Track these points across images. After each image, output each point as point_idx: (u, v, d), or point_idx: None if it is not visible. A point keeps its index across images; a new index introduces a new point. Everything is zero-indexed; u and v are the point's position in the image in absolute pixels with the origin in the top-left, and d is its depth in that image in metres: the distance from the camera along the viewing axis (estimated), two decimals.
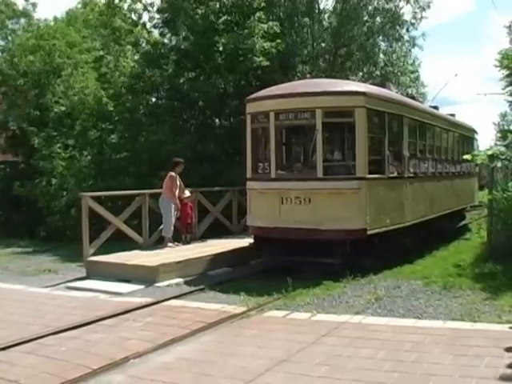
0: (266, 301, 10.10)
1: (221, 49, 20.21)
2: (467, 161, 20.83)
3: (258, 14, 20.75)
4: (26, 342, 7.98)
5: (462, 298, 9.76)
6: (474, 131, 25.27)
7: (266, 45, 20.15)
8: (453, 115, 23.60)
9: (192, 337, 8.08)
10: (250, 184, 13.93)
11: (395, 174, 14.12)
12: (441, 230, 18.09)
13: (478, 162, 13.80)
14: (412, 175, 15.19)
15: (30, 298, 11.21)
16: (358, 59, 29.94)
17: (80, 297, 11.22)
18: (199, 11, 20.58)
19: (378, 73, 31.02)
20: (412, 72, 37.23)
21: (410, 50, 33.88)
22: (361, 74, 30.20)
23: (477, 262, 12.56)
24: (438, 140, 18.84)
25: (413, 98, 19.20)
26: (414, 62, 36.81)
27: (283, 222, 12.60)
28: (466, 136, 23.41)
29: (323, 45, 28.80)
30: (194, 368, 6.83)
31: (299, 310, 9.40)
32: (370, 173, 12.70)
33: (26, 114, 24.15)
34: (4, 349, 7.74)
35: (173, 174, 15.19)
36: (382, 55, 32.00)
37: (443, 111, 22.38)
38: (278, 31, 21.19)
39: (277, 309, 9.49)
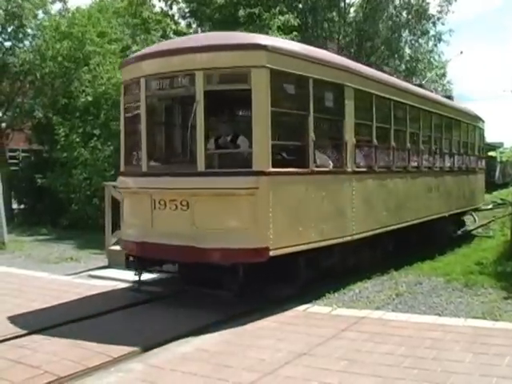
0: (286, 294, 9.91)
1: None
2: (467, 154, 18.50)
3: (278, 8, 20.70)
4: (47, 329, 8.06)
5: (483, 296, 9.70)
6: (478, 119, 20.94)
7: (281, 37, 20.09)
8: (449, 97, 19.89)
9: (212, 328, 8.10)
10: (120, 181, 10.50)
11: (329, 168, 10.44)
12: (428, 239, 15.12)
13: (504, 159, 13.66)
14: (363, 170, 11.45)
15: (52, 286, 11.33)
16: (382, 53, 29.81)
17: (101, 285, 11.30)
18: (218, 1, 20.58)
19: (403, 67, 30.88)
20: (439, 68, 37.00)
21: (435, 45, 33.63)
22: (385, 68, 30.07)
23: (499, 261, 12.45)
24: (416, 125, 14.48)
25: (381, 70, 14.33)
26: (440, 57, 36.56)
27: (155, 235, 9.24)
28: (467, 124, 19.12)
29: (348, 39, 28.72)
30: (213, 359, 6.86)
31: (319, 303, 9.41)
32: (278, 165, 9.05)
33: (53, 102, 24.31)
34: (26, 335, 7.83)
35: None
36: (407, 49, 31.83)
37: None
38: (296, 24, 21.10)
39: (296, 302, 9.46)
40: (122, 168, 10.44)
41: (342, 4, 28.75)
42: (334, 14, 27.98)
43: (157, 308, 9.39)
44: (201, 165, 8.91)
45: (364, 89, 11.45)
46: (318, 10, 26.90)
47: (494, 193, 38.45)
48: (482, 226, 21.86)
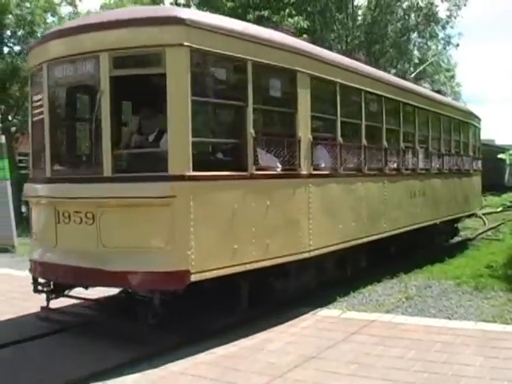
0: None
1: None
2: (460, 155, 16.92)
3: (287, 10, 20.79)
4: (50, 334, 8.00)
5: (493, 299, 9.64)
6: (473, 116, 19.25)
7: None
8: (439, 92, 18.52)
9: (222, 332, 8.07)
10: (27, 188, 8.78)
11: (278, 171, 8.67)
12: (415, 249, 13.87)
13: None
14: (324, 172, 9.77)
15: None
16: (391, 56, 29.84)
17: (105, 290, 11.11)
18: (228, 4, 20.75)
19: (412, 70, 30.90)
20: (447, 70, 37.03)
21: (444, 49, 33.65)
22: (394, 71, 30.15)
23: (509, 264, 12.39)
24: (395, 120, 12.65)
25: (354, 58, 12.16)
26: (448, 60, 36.64)
27: (58, 254, 7.80)
28: (459, 121, 17.21)
29: (356, 41, 28.74)
30: (222, 362, 6.86)
31: (329, 307, 9.39)
32: (205, 167, 7.41)
33: None
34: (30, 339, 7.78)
35: None
36: (416, 52, 31.90)
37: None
38: (305, 26, 21.14)
39: (306, 306, 9.46)
40: (31, 172, 8.88)
41: (350, 6, 28.78)
42: (343, 16, 27.99)
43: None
44: (107, 168, 7.31)
45: (324, 76, 9.75)
46: (327, 12, 26.94)
47: (504, 195, 38.36)
48: (491, 228, 21.76)
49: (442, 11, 30.33)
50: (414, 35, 30.83)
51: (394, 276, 11.56)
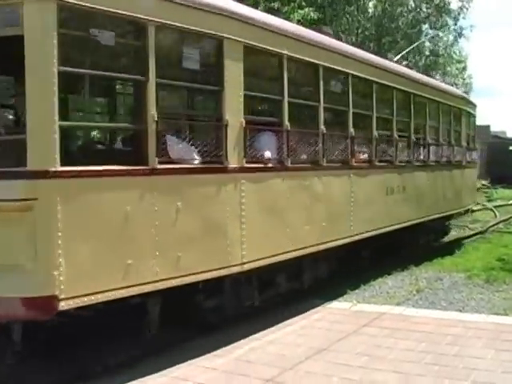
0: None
1: None
2: (451, 145, 15.13)
3: (297, 1, 20.78)
4: None
5: (505, 292, 9.63)
6: (466, 102, 17.24)
7: None
8: (428, 75, 16.52)
9: (233, 324, 8.08)
10: None
11: (194, 164, 6.82)
12: (397, 251, 12.49)
13: None
14: (264, 166, 7.86)
15: None
16: (402, 48, 29.77)
17: None
18: None
19: (423, 62, 30.81)
20: (459, 62, 36.89)
21: (456, 40, 33.59)
22: (405, 62, 30.04)
23: None
24: (367, 103, 10.70)
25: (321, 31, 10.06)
26: (460, 51, 36.56)
27: None
28: (450, 106, 15.18)
29: (367, 33, 28.68)
30: (233, 354, 6.84)
31: (340, 299, 9.39)
32: (86, 161, 5.80)
33: None
34: None
35: None
36: (427, 43, 31.80)
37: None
38: (316, 18, 21.10)
39: (317, 298, 9.46)
40: None
41: None
42: (353, 8, 27.92)
43: None
44: None
45: (265, 46, 7.82)
46: (337, 4, 26.87)
47: None
48: (503, 221, 21.64)
49: (453, 2, 30.33)
50: (426, 27, 30.73)
51: (404, 268, 11.55)
